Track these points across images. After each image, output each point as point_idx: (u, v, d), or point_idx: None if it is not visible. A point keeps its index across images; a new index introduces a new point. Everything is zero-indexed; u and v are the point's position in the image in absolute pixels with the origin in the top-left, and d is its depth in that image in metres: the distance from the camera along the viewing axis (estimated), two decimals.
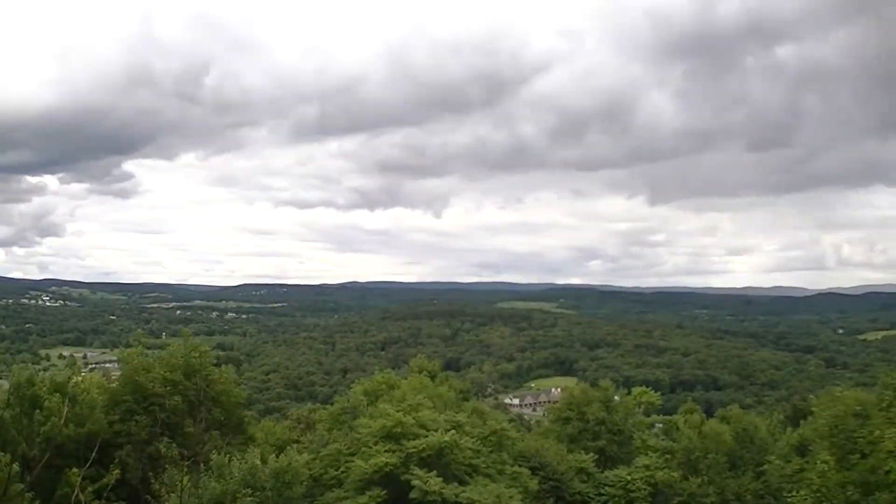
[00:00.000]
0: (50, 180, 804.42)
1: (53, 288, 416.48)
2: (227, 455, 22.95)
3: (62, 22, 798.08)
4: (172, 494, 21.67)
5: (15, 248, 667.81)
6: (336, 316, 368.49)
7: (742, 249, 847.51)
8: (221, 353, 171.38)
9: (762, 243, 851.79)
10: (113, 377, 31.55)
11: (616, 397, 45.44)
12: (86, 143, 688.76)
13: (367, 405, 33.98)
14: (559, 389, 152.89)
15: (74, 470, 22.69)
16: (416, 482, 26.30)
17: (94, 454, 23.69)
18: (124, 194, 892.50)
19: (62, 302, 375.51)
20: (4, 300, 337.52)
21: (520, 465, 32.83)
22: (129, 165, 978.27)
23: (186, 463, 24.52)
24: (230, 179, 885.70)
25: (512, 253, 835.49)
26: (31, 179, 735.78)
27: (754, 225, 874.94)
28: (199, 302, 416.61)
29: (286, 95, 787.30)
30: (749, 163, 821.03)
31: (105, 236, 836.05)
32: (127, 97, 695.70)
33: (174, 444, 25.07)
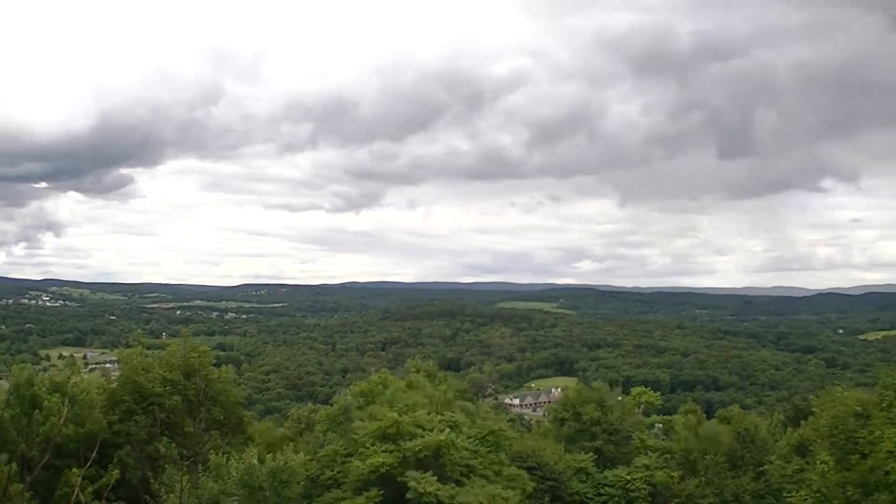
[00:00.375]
0: (52, 184, 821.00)
1: (53, 288, 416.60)
2: (225, 455, 22.96)
3: (92, 57, 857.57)
4: (172, 494, 21.67)
5: (15, 249, 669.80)
6: (336, 316, 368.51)
7: (726, 250, 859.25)
8: (221, 353, 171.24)
9: (743, 245, 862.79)
10: (112, 377, 31.49)
11: (619, 398, 45.50)
12: (96, 159, 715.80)
13: (359, 408, 33.91)
14: (559, 389, 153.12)
15: (74, 470, 22.64)
16: (411, 483, 26.30)
17: (93, 454, 23.70)
18: (124, 197, 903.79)
19: (62, 302, 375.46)
20: (4, 300, 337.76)
21: (517, 466, 32.81)
22: (130, 171, 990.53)
23: (186, 463, 24.53)
24: (227, 185, 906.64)
25: (501, 254, 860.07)
26: (35, 185, 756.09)
27: (732, 227, 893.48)
28: (199, 302, 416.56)
29: (285, 115, 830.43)
30: (716, 168, 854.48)
31: (105, 237, 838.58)
32: (138, 121, 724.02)
33: (174, 444, 25.06)
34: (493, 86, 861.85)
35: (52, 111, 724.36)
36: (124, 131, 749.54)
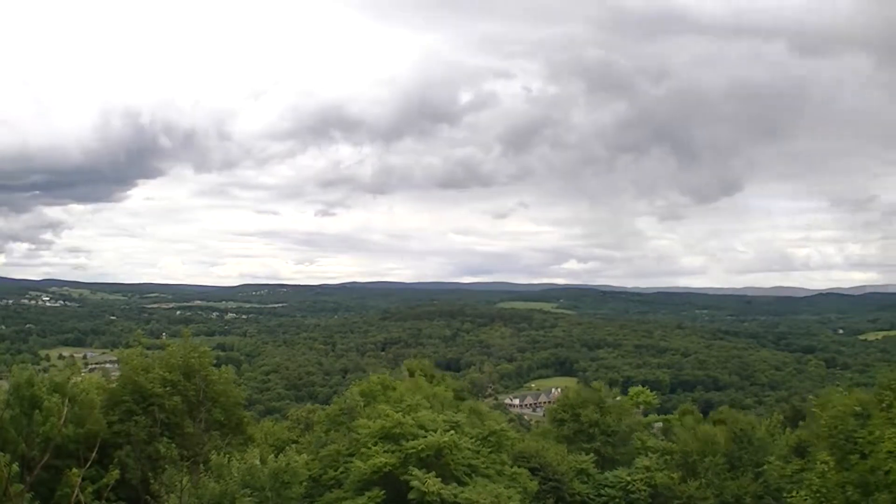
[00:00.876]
0: (56, 193, 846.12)
1: (53, 288, 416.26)
2: (227, 455, 22.97)
3: (103, 81, 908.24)
4: (172, 495, 21.69)
5: (16, 249, 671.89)
6: (336, 316, 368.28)
7: (704, 251, 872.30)
8: (221, 353, 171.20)
9: (716, 246, 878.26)
10: (112, 377, 31.52)
11: (617, 398, 45.49)
12: (100, 174, 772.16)
13: (364, 406, 33.96)
14: (559, 390, 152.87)
15: (74, 470, 22.70)
16: (414, 483, 26.30)
17: (93, 454, 23.74)
18: (125, 201, 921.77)
19: (62, 302, 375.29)
20: (4, 300, 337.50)
21: (519, 466, 32.83)
22: (133, 180, 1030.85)
23: (186, 463, 24.54)
24: (226, 190, 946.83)
25: (488, 255, 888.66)
26: (39, 192, 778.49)
27: (700, 230, 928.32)
28: (198, 302, 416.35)
29: (279, 129, 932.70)
30: (671, 174, 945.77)
31: (105, 238, 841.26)
32: (142, 138, 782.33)
33: (174, 445, 25.08)
34: (462, 104, 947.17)
35: (61, 131, 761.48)
36: (130, 148, 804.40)
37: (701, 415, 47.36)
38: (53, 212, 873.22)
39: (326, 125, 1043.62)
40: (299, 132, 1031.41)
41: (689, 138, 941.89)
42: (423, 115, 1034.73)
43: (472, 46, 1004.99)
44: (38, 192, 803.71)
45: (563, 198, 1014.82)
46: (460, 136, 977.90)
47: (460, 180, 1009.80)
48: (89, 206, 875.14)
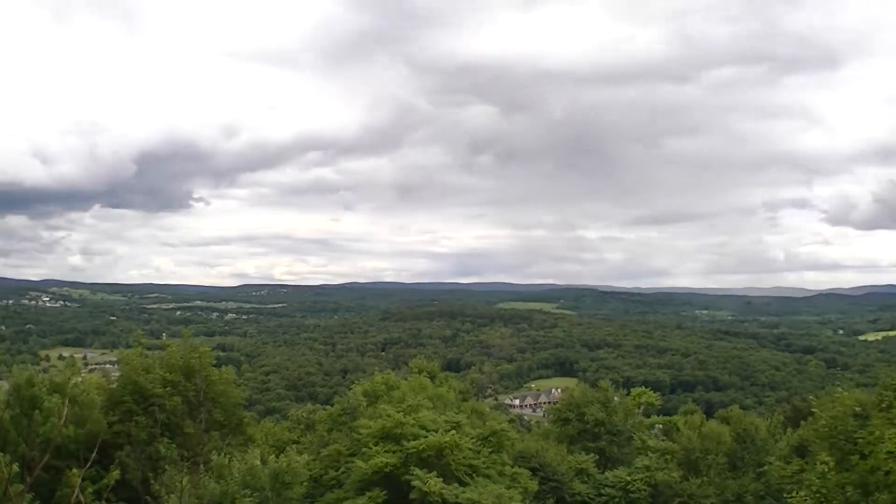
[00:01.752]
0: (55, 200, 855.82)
1: (53, 289, 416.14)
2: (227, 456, 22.99)
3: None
4: (172, 495, 21.69)
5: (16, 250, 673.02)
6: (336, 316, 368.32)
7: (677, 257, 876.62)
8: (221, 353, 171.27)
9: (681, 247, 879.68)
10: (112, 378, 31.54)
11: (615, 398, 45.50)
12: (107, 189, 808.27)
13: (367, 406, 34.00)
14: (559, 390, 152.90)
15: (74, 470, 22.69)
16: (415, 482, 26.29)
17: (94, 455, 23.73)
18: (125, 204, 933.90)
19: (62, 303, 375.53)
20: (4, 301, 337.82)
21: (520, 466, 32.85)
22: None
23: (186, 464, 24.55)
24: (224, 193, 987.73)
25: (478, 255, 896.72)
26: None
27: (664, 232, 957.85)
28: (198, 302, 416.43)
29: (269, 149, 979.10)
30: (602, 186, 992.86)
31: (105, 238, 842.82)
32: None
33: (174, 445, 25.10)
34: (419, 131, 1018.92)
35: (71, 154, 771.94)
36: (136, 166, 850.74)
37: (703, 415, 47.37)
38: (54, 214, 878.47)
39: (306, 148, 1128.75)
40: (284, 152, 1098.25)
41: (607, 155, 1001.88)
42: (386, 138, 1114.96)
43: (424, 90, 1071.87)
44: (39, 202, 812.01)
45: (519, 206, 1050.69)
46: (417, 156, 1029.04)
47: (422, 191, 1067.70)
48: (90, 211, 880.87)
